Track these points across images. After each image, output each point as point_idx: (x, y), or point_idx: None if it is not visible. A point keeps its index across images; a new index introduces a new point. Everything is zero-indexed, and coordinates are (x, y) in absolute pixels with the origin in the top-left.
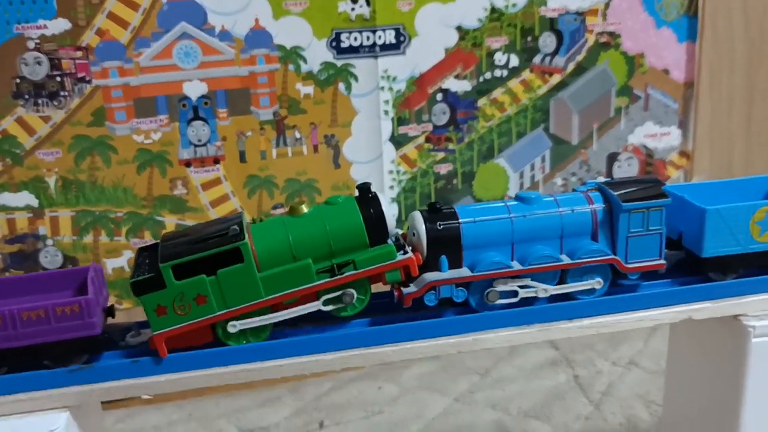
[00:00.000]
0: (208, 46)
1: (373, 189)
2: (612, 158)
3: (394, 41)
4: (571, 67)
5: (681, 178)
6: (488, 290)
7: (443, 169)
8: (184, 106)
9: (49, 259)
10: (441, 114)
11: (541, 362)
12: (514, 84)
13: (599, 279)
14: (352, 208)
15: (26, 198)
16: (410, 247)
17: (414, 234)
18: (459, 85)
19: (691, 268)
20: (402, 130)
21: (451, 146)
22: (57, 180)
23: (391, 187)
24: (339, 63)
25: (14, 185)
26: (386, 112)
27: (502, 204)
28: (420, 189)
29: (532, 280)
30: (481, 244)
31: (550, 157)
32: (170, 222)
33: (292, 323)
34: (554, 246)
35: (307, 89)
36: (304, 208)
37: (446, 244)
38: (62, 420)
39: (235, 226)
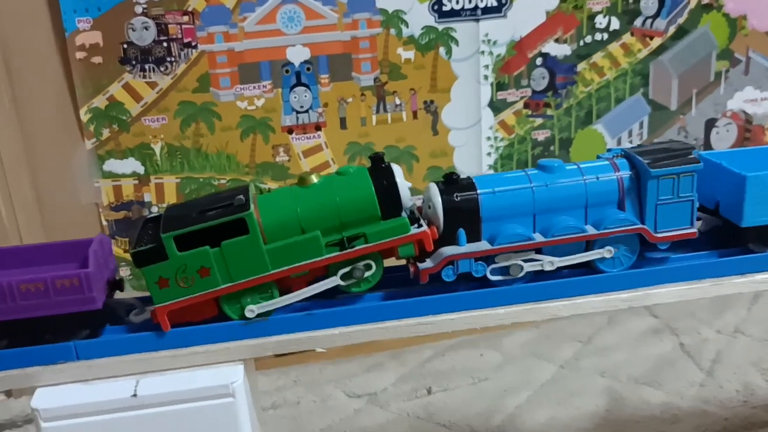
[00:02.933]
0: (311, 10)
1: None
2: (710, 124)
3: (495, 4)
4: (672, 30)
5: None
6: (510, 263)
7: (541, 135)
8: (287, 71)
9: None
10: (540, 79)
11: (643, 330)
12: (614, 48)
13: (610, 248)
14: (363, 178)
15: (132, 165)
16: (425, 221)
17: (430, 207)
18: (559, 49)
19: (729, 238)
20: (500, 95)
21: (549, 112)
22: (162, 147)
23: (489, 154)
24: (440, 27)
25: (121, 152)
26: (486, 77)
27: (523, 173)
28: (517, 156)
29: (554, 253)
30: (501, 216)
31: (648, 123)
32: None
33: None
34: (578, 216)
35: (407, 54)
36: (314, 179)
37: (464, 216)
38: (240, 373)
39: (241, 196)
